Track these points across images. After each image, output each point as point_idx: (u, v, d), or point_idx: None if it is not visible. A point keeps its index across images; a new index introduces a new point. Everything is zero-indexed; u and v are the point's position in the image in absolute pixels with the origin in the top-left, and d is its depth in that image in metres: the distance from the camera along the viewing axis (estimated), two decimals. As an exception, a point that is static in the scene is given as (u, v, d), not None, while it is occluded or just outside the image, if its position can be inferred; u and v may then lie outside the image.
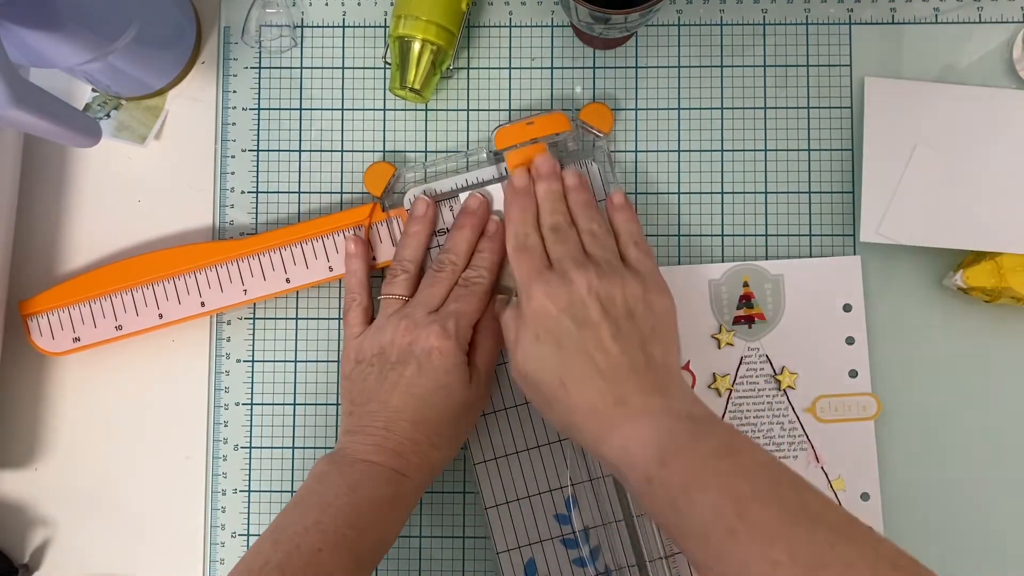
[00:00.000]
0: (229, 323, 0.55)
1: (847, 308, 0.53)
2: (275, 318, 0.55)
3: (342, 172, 0.55)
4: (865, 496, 0.52)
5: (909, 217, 0.52)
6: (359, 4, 0.56)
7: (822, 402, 0.52)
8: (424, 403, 0.47)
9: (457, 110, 0.55)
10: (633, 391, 0.43)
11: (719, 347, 0.53)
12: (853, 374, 0.52)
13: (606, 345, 0.43)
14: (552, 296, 0.44)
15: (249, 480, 0.54)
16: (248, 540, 0.54)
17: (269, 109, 0.56)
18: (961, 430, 0.52)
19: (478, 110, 0.55)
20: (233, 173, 0.55)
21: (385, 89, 0.55)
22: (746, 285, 0.53)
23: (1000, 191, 0.52)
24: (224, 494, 0.54)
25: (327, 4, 0.56)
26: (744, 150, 0.54)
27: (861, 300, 0.53)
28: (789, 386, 0.53)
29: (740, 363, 0.53)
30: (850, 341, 0.53)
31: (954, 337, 0.53)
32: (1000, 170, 0.52)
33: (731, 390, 0.53)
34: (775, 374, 0.53)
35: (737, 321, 0.53)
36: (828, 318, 0.53)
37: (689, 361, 0.53)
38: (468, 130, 0.55)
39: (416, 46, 0.51)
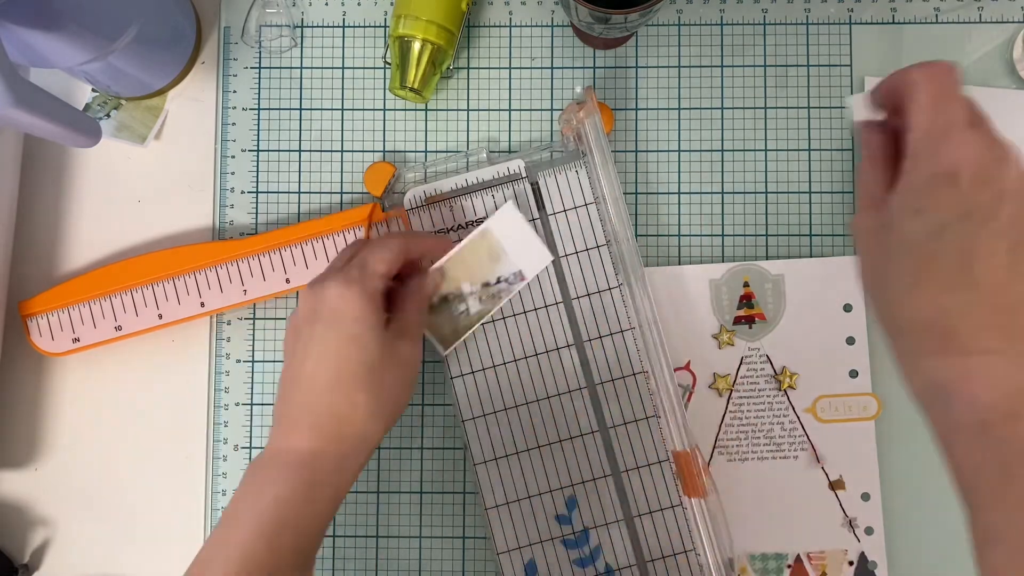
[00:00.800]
0: (229, 323, 0.55)
1: (847, 308, 0.53)
2: (275, 318, 0.55)
3: (342, 172, 0.55)
4: (865, 496, 0.52)
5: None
6: (359, 4, 0.56)
7: (822, 402, 0.52)
8: (336, 360, 0.43)
9: (457, 110, 0.55)
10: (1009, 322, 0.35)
11: (719, 347, 0.53)
12: (853, 374, 0.52)
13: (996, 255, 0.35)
14: (965, 159, 0.35)
15: (249, 480, 0.54)
16: (248, 540, 0.54)
17: (269, 109, 0.56)
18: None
19: (478, 110, 0.55)
20: (233, 173, 0.55)
21: (385, 89, 0.55)
22: (746, 285, 0.53)
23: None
24: (224, 494, 0.54)
25: (327, 4, 0.56)
26: (744, 150, 0.54)
27: (862, 300, 0.53)
28: (790, 386, 0.53)
29: (741, 363, 0.53)
30: (850, 341, 0.53)
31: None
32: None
33: (731, 390, 0.53)
34: (775, 374, 0.53)
35: (737, 321, 0.53)
36: (829, 318, 0.53)
37: (689, 361, 0.53)
38: (468, 130, 0.55)
39: (416, 46, 0.51)
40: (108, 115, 0.55)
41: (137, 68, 0.51)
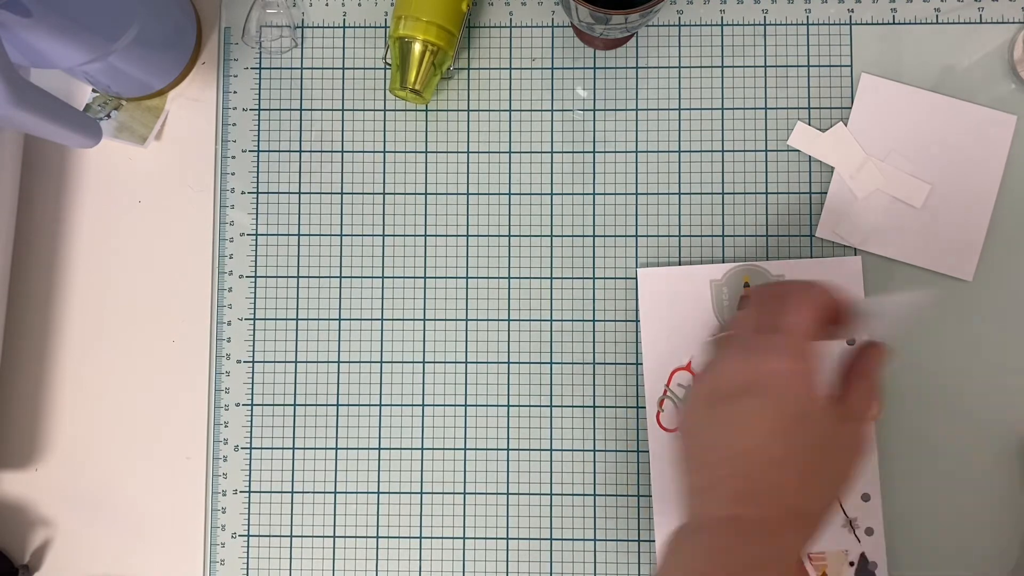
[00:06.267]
0: (229, 323, 0.55)
1: (847, 308, 0.53)
2: (275, 318, 0.55)
3: (342, 172, 0.55)
4: (865, 496, 0.52)
5: (865, 221, 0.52)
6: (359, 4, 0.56)
7: (822, 402, 0.52)
8: (779, 438, 0.38)
9: (457, 111, 0.55)
10: None
11: (719, 347, 0.53)
12: (853, 374, 0.52)
13: None
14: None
15: (249, 480, 0.54)
16: (248, 541, 0.54)
17: (269, 109, 0.56)
18: (961, 430, 0.52)
19: (478, 110, 0.55)
20: (233, 173, 0.55)
21: (385, 89, 0.55)
22: (747, 286, 0.53)
23: (954, 212, 0.52)
24: (224, 494, 0.54)
25: (327, 4, 0.56)
26: (744, 150, 0.54)
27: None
28: (789, 386, 0.52)
29: (740, 363, 0.53)
30: (851, 342, 0.52)
31: (955, 337, 0.53)
32: (962, 191, 0.52)
33: (731, 390, 0.53)
34: (775, 374, 0.53)
35: (737, 321, 0.53)
36: (828, 318, 0.53)
37: (690, 361, 0.53)
38: (468, 131, 0.55)
39: (416, 47, 0.51)
40: (108, 115, 0.55)
41: (137, 68, 0.51)
